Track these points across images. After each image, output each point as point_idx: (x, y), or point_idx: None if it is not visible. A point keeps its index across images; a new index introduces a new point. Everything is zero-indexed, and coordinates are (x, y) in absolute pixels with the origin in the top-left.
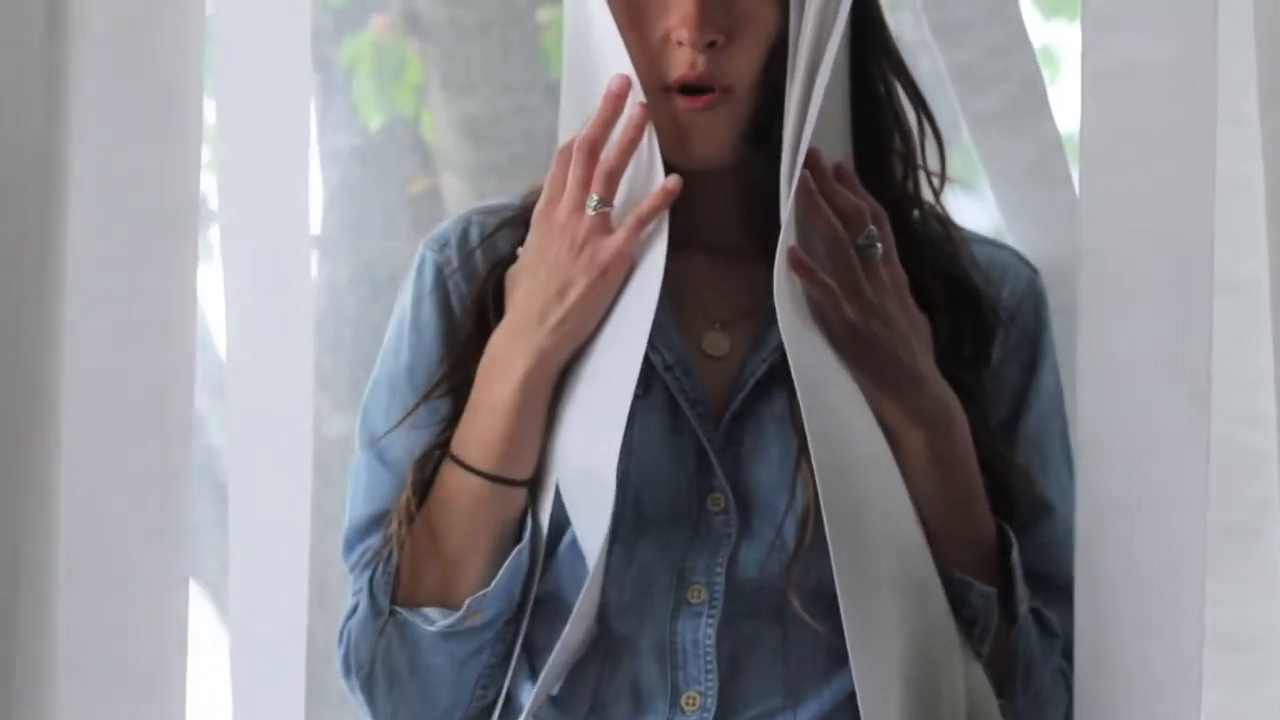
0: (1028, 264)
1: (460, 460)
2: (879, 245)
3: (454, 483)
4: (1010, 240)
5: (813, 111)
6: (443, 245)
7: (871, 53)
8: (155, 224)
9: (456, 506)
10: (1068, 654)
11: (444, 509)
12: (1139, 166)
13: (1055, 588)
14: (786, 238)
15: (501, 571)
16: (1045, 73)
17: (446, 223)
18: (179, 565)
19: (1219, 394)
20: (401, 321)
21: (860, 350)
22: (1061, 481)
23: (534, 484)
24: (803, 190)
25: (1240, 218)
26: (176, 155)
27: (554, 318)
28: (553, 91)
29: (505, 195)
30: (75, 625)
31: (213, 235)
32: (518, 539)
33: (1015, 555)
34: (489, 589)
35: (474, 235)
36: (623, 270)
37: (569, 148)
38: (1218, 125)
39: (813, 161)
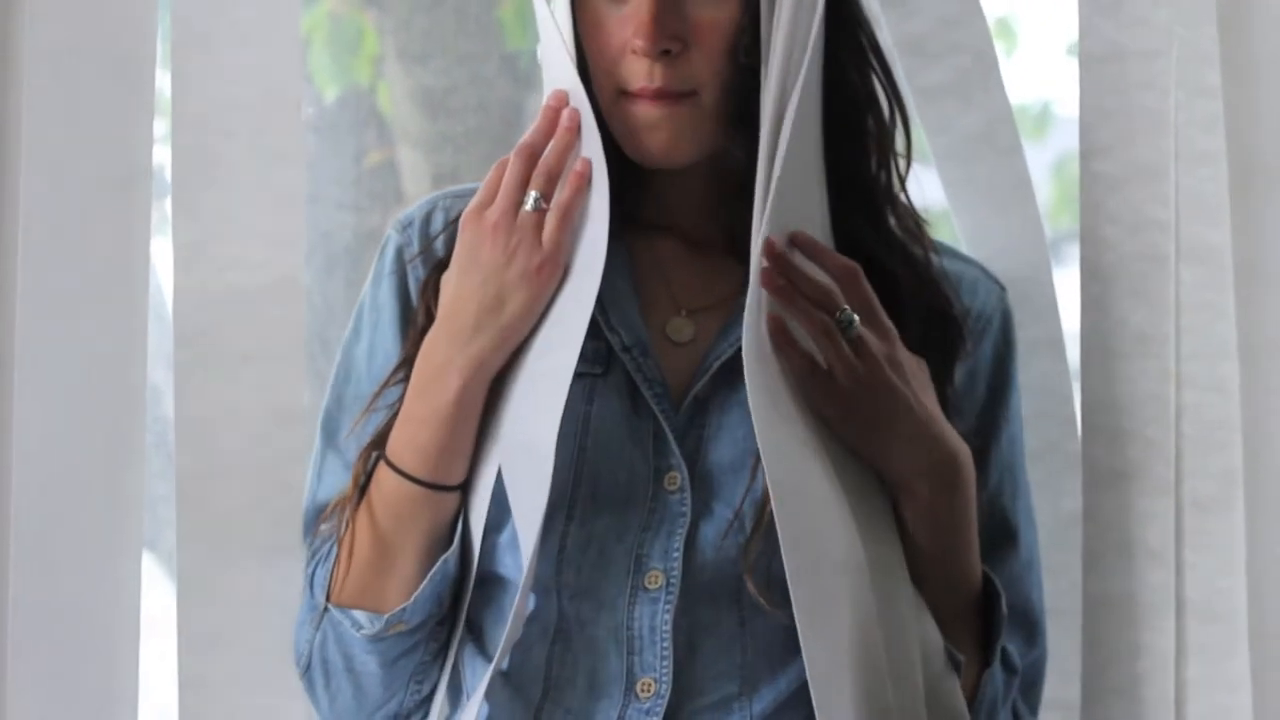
0: (996, 281)
1: (395, 466)
2: (855, 317)
3: (389, 487)
4: (955, 217)
5: (789, 117)
6: (405, 227)
7: (847, 37)
8: (108, 196)
9: (391, 509)
10: (1022, 687)
11: (378, 511)
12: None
13: (1015, 617)
14: (755, 310)
15: (425, 582)
16: (1001, 45)
17: (415, 204)
18: (134, 539)
19: (1187, 365)
20: (363, 302)
21: (849, 424)
22: (1028, 505)
23: (465, 487)
24: (771, 287)
25: (1205, 189)
26: (129, 127)
27: (492, 328)
28: (509, 62)
29: (476, 181)
30: (27, 598)
31: (166, 207)
32: (448, 541)
33: (1004, 606)
34: (409, 602)
35: (437, 220)
36: (558, 269)
37: (505, 158)
38: (1185, 97)
39: (769, 250)
